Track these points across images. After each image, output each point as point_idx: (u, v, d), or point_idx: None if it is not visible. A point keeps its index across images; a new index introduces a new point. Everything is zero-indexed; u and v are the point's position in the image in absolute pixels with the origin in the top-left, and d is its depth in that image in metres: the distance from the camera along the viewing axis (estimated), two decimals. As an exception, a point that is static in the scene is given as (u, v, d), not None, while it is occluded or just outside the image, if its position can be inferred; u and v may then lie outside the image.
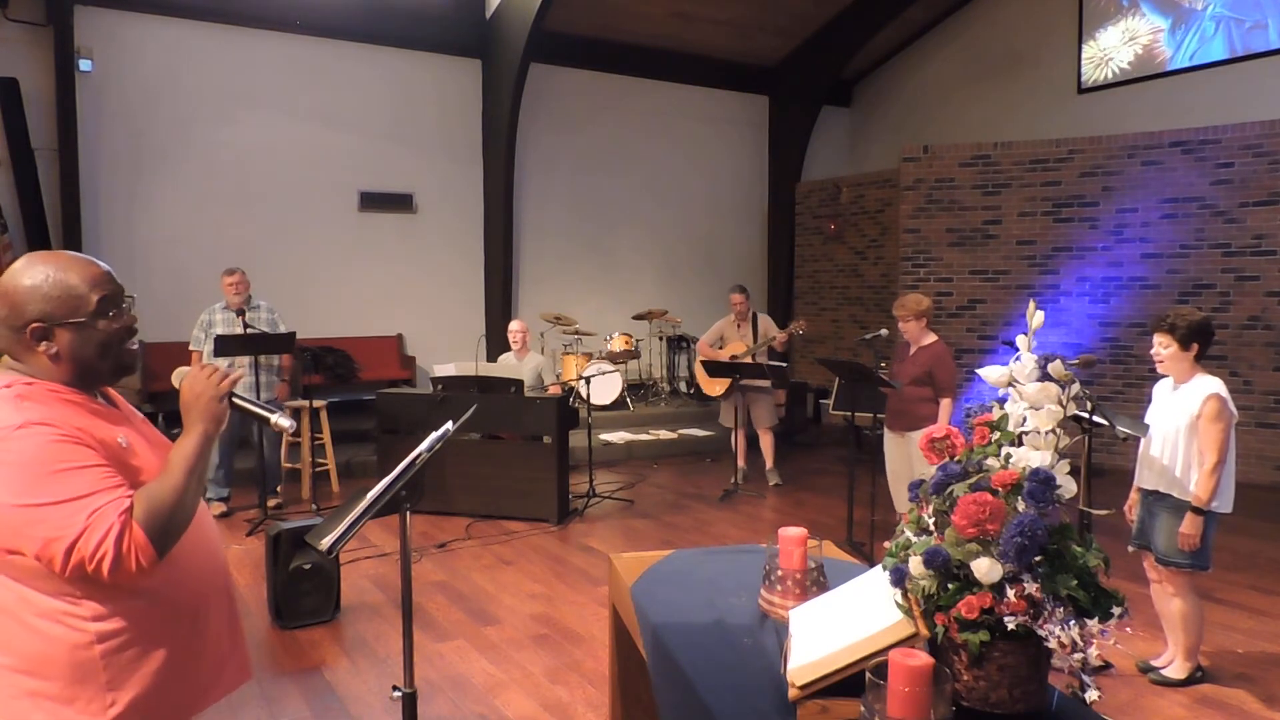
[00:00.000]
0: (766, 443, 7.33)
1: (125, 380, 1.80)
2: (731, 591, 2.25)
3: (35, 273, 1.59)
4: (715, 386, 7.32)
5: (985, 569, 1.48)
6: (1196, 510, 3.48)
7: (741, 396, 7.16)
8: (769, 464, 7.36)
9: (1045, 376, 1.63)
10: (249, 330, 5.99)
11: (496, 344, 8.67)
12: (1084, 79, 9.68)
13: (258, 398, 5.98)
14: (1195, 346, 3.54)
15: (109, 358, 1.65)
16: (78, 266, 1.62)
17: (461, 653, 4.06)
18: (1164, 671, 3.72)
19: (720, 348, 7.30)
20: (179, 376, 1.70)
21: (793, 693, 1.59)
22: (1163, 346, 3.61)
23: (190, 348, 6.19)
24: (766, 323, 7.30)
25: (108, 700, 1.58)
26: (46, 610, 1.56)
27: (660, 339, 10.52)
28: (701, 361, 7.27)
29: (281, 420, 1.71)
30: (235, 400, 1.71)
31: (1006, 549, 1.46)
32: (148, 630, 1.63)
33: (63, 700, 1.56)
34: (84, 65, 7.76)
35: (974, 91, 10.73)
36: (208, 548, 1.79)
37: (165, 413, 7.62)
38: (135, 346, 1.72)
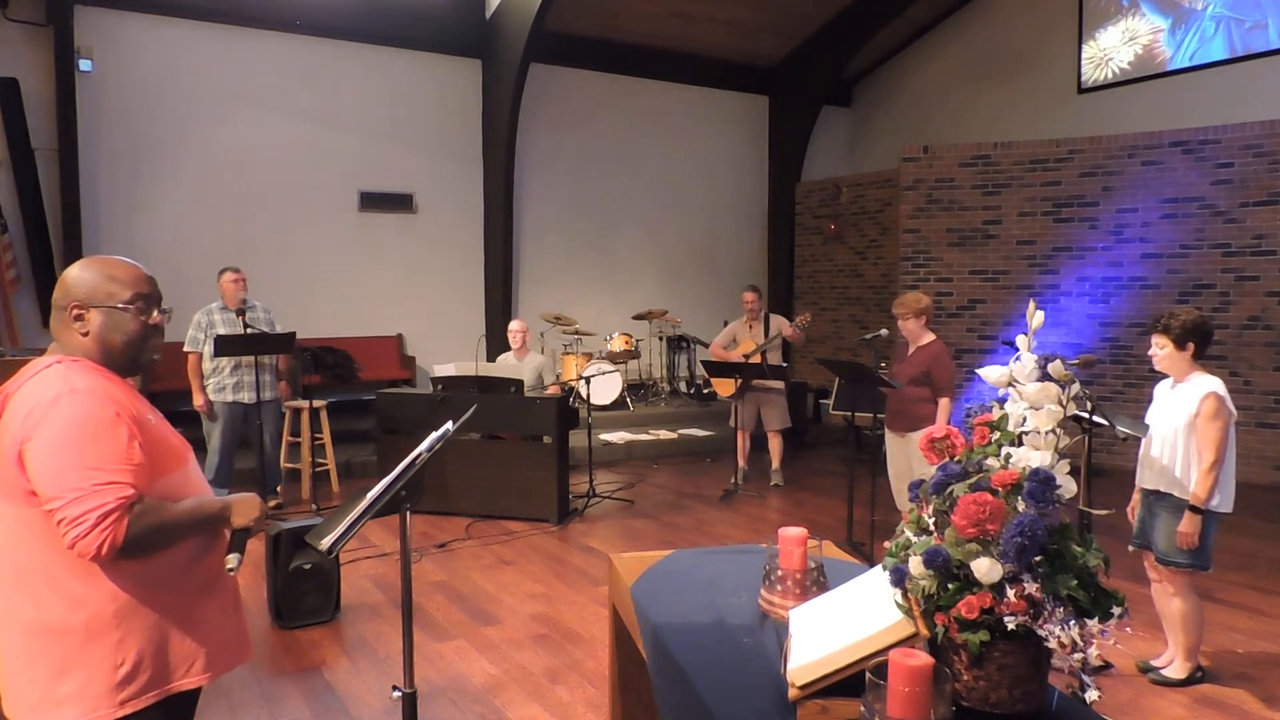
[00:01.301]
0: (775, 444, 7.34)
1: (127, 380, 1.91)
2: (731, 591, 2.25)
3: (88, 265, 1.86)
4: (726, 386, 7.33)
5: (985, 569, 1.48)
6: (1195, 509, 3.48)
7: (751, 397, 7.16)
8: (775, 464, 7.36)
9: (1045, 376, 1.63)
10: (249, 330, 5.99)
11: (496, 344, 8.67)
12: (1084, 79, 9.68)
13: (259, 397, 6.01)
14: (1191, 346, 3.54)
15: (130, 349, 1.85)
16: (123, 266, 1.88)
17: (461, 653, 4.06)
18: (1164, 671, 3.72)
19: (733, 349, 7.32)
20: (254, 497, 1.96)
21: (793, 693, 1.59)
22: (1159, 347, 3.61)
23: (185, 349, 6.07)
24: (778, 321, 7.30)
25: (117, 659, 1.73)
26: (66, 572, 1.70)
27: (660, 339, 10.51)
28: (702, 362, 7.27)
29: (231, 560, 1.87)
30: (245, 535, 1.91)
31: (1006, 549, 1.46)
32: (157, 600, 1.78)
33: (76, 659, 1.71)
34: (84, 65, 7.76)
35: (974, 91, 10.73)
36: (220, 531, 1.94)
37: (165, 414, 7.61)
38: (157, 345, 1.91)
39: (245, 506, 1.90)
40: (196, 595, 1.86)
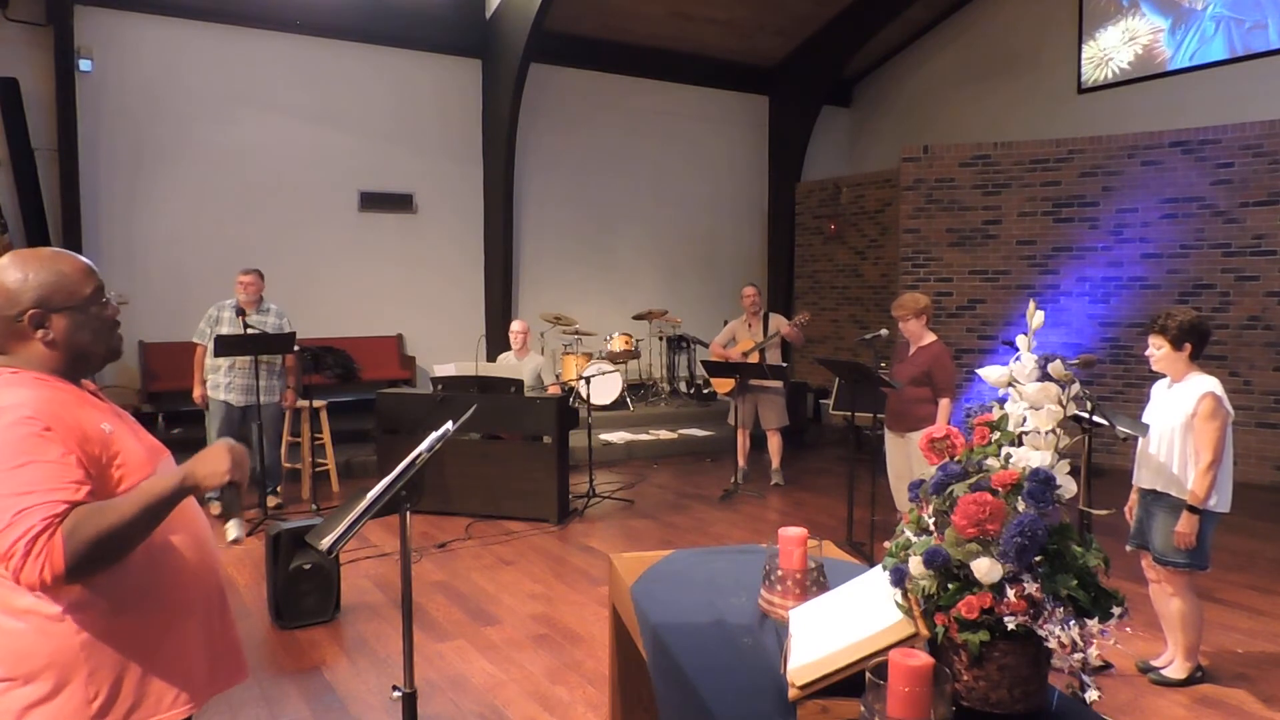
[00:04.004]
0: (774, 443, 7.35)
1: (125, 380, 1.84)
2: (731, 591, 2.25)
3: (26, 265, 1.64)
4: (724, 384, 7.35)
5: (985, 569, 1.48)
6: (1192, 509, 3.48)
7: (750, 396, 7.17)
8: (775, 463, 7.37)
9: (1045, 376, 1.63)
10: (249, 331, 5.98)
11: (496, 344, 8.67)
12: (1084, 79, 9.68)
13: (259, 400, 6.00)
14: (1188, 347, 3.54)
15: (101, 344, 1.71)
16: (66, 259, 1.69)
17: (461, 653, 4.06)
18: (1164, 671, 3.72)
19: (732, 347, 7.33)
20: (222, 442, 1.70)
21: (793, 693, 1.59)
22: (1155, 347, 3.62)
23: (194, 340, 6.19)
24: (778, 320, 7.32)
25: (90, 693, 1.57)
26: (21, 606, 1.55)
27: (660, 339, 10.52)
28: (702, 362, 7.28)
29: (231, 530, 1.66)
30: (230, 486, 1.66)
31: (1006, 549, 1.46)
32: (131, 625, 1.62)
33: (45, 696, 1.55)
34: (84, 65, 7.76)
35: (974, 91, 10.73)
36: (198, 546, 1.77)
37: (165, 413, 7.62)
38: (120, 336, 1.77)
39: (210, 461, 1.61)
40: (174, 613, 1.68)
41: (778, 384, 7.06)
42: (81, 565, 1.47)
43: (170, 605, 1.68)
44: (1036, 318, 1.69)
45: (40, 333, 1.63)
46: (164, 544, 1.67)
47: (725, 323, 7.74)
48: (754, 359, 7.09)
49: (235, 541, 1.66)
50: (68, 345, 1.65)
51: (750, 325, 7.34)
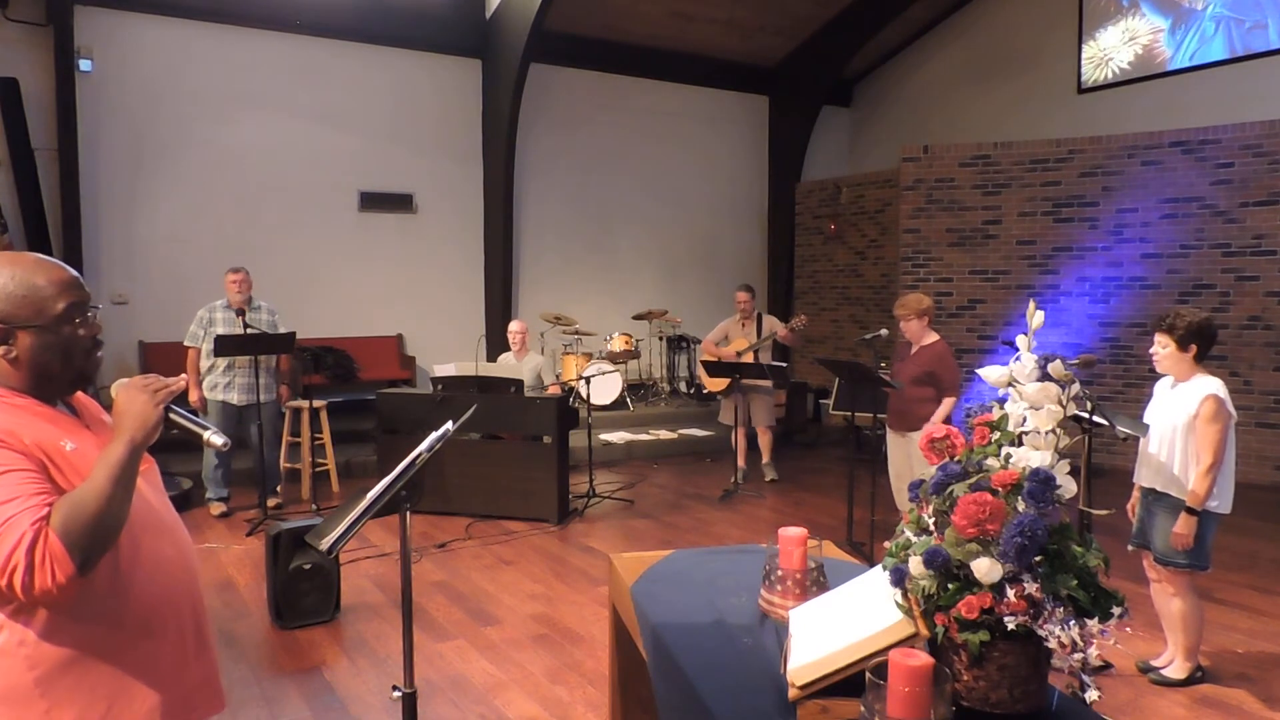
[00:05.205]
0: (765, 440, 7.39)
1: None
2: (731, 591, 2.25)
3: (1, 273, 1.51)
4: (716, 383, 7.36)
5: (985, 569, 1.48)
6: (1191, 510, 3.48)
7: (742, 395, 7.18)
8: (765, 458, 7.40)
9: (1045, 376, 1.63)
10: (249, 330, 5.99)
11: (496, 344, 8.67)
12: (1084, 79, 9.68)
13: (258, 399, 5.99)
14: (1194, 348, 3.54)
15: (71, 367, 1.56)
16: (45, 270, 1.54)
17: (461, 653, 4.06)
18: (1164, 671, 3.72)
19: (724, 345, 7.34)
20: (118, 387, 1.56)
21: (793, 693, 1.59)
22: (1161, 346, 3.61)
23: (185, 344, 6.17)
24: (771, 322, 7.33)
25: None
26: None
27: (660, 339, 10.52)
28: (702, 361, 7.30)
29: (214, 438, 1.60)
30: (172, 414, 1.57)
31: (1006, 549, 1.46)
32: (91, 655, 1.49)
33: None
34: (84, 65, 7.76)
35: (974, 91, 10.73)
36: (169, 565, 1.64)
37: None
38: (100, 356, 1.63)
39: (133, 414, 1.49)
40: (138, 637, 1.54)
41: (768, 383, 7.09)
42: (89, 556, 1.39)
43: (143, 639, 1.55)
44: (1036, 318, 1.69)
45: (2, 349, 1.50)
46: (132, 563, 1.55)
47: (724, 323, 7.76)
48: (748, 359, 7.11)
49: (225, 446, 1.58)
50: (31, 365, 1.52)
51: (744, 325, 7.36)
